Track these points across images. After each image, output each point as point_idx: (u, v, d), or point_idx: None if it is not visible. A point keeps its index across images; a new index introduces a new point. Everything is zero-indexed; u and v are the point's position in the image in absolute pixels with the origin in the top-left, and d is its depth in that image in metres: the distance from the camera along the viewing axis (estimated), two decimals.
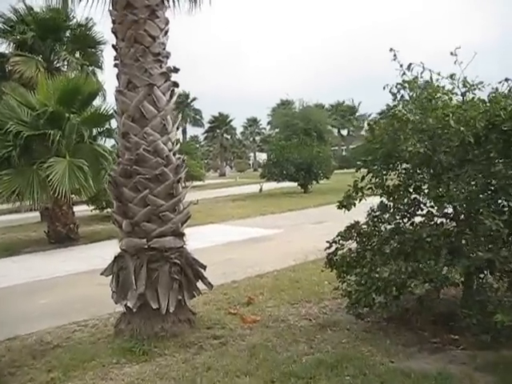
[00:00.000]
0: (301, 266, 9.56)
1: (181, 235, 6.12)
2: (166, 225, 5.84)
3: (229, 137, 79.46)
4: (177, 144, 6.10)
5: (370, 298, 5.22)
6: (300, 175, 26.03)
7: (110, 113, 13.69)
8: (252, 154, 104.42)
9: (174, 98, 5.98)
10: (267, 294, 7.67)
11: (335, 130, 66.68)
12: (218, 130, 75.84)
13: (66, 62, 20.97)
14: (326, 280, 8.15)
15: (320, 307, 6.86)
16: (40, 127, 13.17)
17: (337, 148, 70.92)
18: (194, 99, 70.85)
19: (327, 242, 6.32)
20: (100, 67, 22.56)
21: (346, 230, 6.35)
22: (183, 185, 6.29)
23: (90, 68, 21.70)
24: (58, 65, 20.99)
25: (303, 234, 13.73)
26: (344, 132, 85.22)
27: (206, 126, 75.62)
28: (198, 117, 71.37)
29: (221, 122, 75.41)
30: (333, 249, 6.34)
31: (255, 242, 13.08)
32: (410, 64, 5.55)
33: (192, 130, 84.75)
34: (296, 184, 27.34)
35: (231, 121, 77.20)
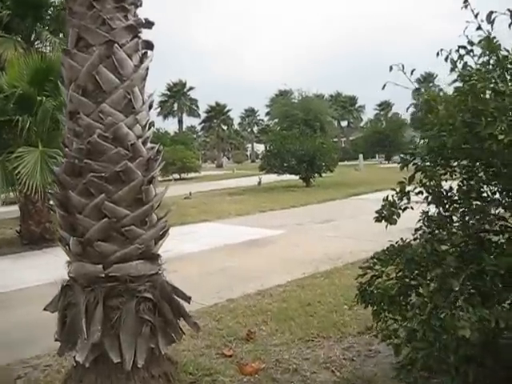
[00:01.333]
0: (311, 281, 7.86)
1: (154, 258, 4.32)
2: (131, 244, 4.00)
3: (226, 127, 77.69)
4: (149, 128, 4.33)
5: (433, 360, 3.45)
6: (302, 168, 24.30)
7: None
8: (250, 145, 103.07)
9: (146, 63, 4.16)
10: (272, 324, 5.96)
11: (335, 122, 64.85)
12: (214, 121, 74.25)
13: (48, 43, 19.18)
14: (346, 303, 6.50)
15: (343, 349, 5.15)
16: (8, 112, 11.49)
17: (336, 139, 69.19)
18: (191, 88, 69.35)
19: (360, 267, 4.49)
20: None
21: (387, 251, 4.51)
22: (156, 188, 4.53)
23: None
24: (39, 46, 19.16)
25: (310, 236, 12.06)
26: (343, 123, 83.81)
27: (203, 116, 73.80)
28: (194, 107, 69.46)
29: (218, 112, 73.78)
30: (367, 277, 4.40)
31: (256, 245, 11.38)
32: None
33: (188, 121, 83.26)
34: (297, 177, 25.65)
35: (229, 111, 75.62)
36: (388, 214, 4.37)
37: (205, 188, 28.26)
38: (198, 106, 70.30)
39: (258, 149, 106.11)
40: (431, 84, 78.44)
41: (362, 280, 4.42)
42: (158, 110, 68.38)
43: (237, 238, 12.27)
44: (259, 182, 27.21)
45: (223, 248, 11.19)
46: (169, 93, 68.85)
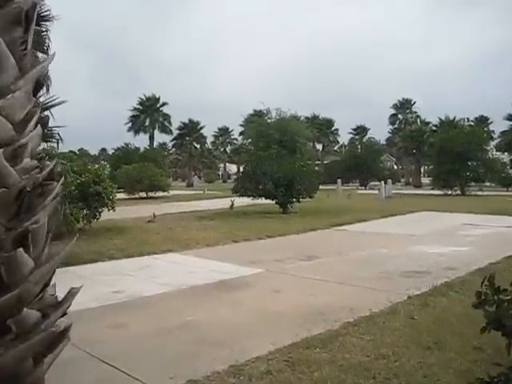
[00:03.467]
0: (304, 355, 5.73)
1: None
2: None
3: (198, 145, 75.58)
4: (35, 127, 2.26)
5: None
6: (279, 192, 22.24)
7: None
8: (222, 165, 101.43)
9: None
10: None
11: (310, 144, 63.32)
12: (187, 138, 72.03)
13: None
14: None
15: None
16: None
17: (310, 162, 67.68)
18: (165, 104, 67.10)
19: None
20: (44, 51, 18.59)
21: None
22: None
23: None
24: None
25: (292, 279, 10.00)
26: (318, 146, 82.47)
27: (175, 133, 71.59)
28: (166, 123, 67.21)
29: (191, 130, 71.77)
30: None
31: (228, 288, 9.25)
32: None
33: (160, 137, 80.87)
34: (273, 202, 23.59)
35: (201, 128, 73.63)
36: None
37: (172, 209, 26.07)
38: (170, 123, 68.09)
39: (230, 169, 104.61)
40: (408, 110, 77.92)
41: None
42: (129, 125, 66.09)
43: (205, 276, 10.17)
44: (232, 206, 25.11)
45: (188, 291, 9.05)
46: (141, 107, 66.56)
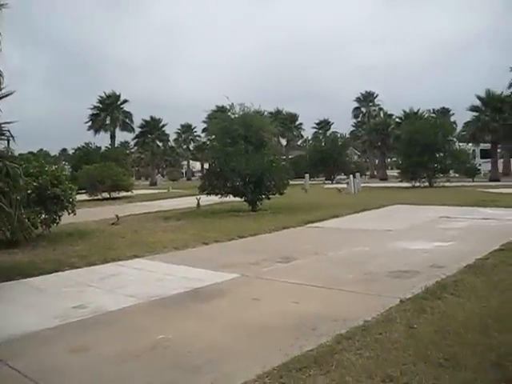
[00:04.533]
0: (299, 380, 4.98)
1: None
2: None
3: (161, 143, 74.20)
4: None
5: None
6: (248, 189, 21.38)
7: None
8: (185, 162, 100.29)
9: None
10: None
11: (275, 139, 62.54)
12: (149, 136, 70.55)
13: None
14: None
15: None
16: None
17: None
18: (125, 101, 65.54)
19: None
20: None
21: None
22: None
23: None
24: None
25: (271, 284, 9.19)
26: (283, 141, 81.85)
27: (137, 131, 70.08)
28: (128, 121, 65.66)
29: (152, 127, 70.35)
30: None
31: (201, 298, 8.39)
32: None
33: (121, 136, 79.33)
34: (240, 199, 22.73)
35: (164, 126, 72.26)
36: None
37: (136, 210, 25.00)
38: (132, 120, 66.52)
39: (193, 166, 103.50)
40: (371, 103, 77.89)
41: None
42: (89, 123, 64.40)
43: (175, 284, 9.30)
44: (198, 204, 24.20)
45: (157, 303, 8.17)
46: (101, 105, 64.89)
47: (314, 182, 50.19)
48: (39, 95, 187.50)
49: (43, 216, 15.21)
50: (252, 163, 21.19)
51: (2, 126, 10.63)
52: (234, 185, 21.70)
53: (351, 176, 35.40)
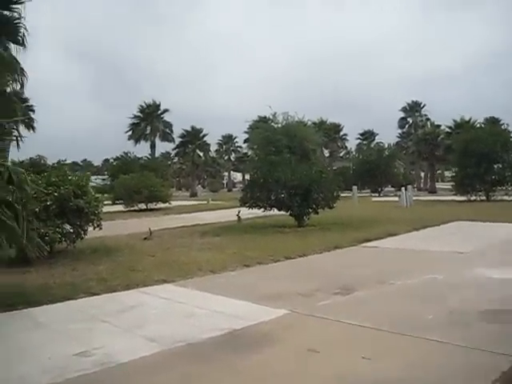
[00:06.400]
0: None
1: None
2: None
3: (202, 154, 72.83)
4: None
5: None
6: (294, 202, 19.31)
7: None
8: (226, 173, 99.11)
9: None
10: None
11: (319, 150, 60.57)
12: (189, 146, 69.21)
13: None
14: None
15: None
16: None
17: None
18: (166, 111, 64.29)
19: None
20: (21, 43, 15.86)
21: None
22: None
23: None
24: None
25: (331, 326, 7.16)
26: (326, 152, 79.68)
27: (177, 141, 68.85)
28: (168, 131, 64.46)
29: (193, 137, 69.03)
30: None
31: (239, 347, 6.36)
32: None
33: (161, 146, 78.32)
34: (285, 213, 20.67)
35: (204, 135, 70.79)
36: None
37: (172, 223, 23.24)
38: (172, 130, 65.26)
39: (234, 177, 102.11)
40: (417, 113, 75.08)
41: None
42: (130, 133, 63.34)
43: (208, 323, 7.36)
44: (239, 219, 22.27)
45: (182, 353, 6.22)
46: (141, 115, 63.83)
47: (360, 195, 47.91)
48: (84, 107, 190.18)
49: (66, 230, 13.48)
50: (299, 174, 19.15)
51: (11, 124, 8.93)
52: (279, 197, 19.64)
53: (403, 188, 32.97)
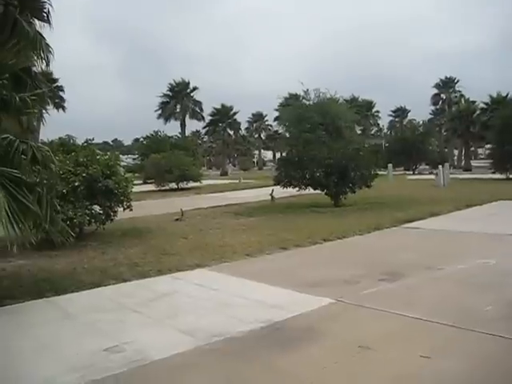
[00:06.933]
0: None
1: None
2: None
3: (232, 132, 72.14)
4: None
5: None
6: (331, 181, 18.56)
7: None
8: (257, 152, 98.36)
9: None
10: None
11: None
12: (220, 124, 68.59)
13: None
14: None
15: None
16: None
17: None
18: (195, 89, 63.70)
19: None
20: (46, 20, 15.38)
21: None
22: None
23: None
24: None
25: (380, 317, 6.52)
26: (357, 130, 78.36)
27: (207, 119, 68.21)
28: (197, 109, 63.85)
29: (223, 115, 68.31)
30: None
31: (282, 342, 5.74)
32: None
33: (191, 125, 77.61)
34: (320, 191, 19.95)
35: (235, 113, 69.95)
36: None
37: (204, 203, 22.71)
38: (202, 109, 64.61)
39: (265, 156, 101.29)
40: (451, 89, 73.16)
41: None
42: (159, 112, 62.93)
43: (247, 313, 6.78)
44: (272, 198, 21.63)
45: (220, 349, 5.65)
46: (170, 93, 63.33)
47: (394, 173, 46.84)
48: (114, 87, 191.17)
49: (95, 212, 13.01)
50: (335, 152, 18.39)
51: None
52: (315, 176, 18.92)
53: (440, 166, 31.82)
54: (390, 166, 39.22)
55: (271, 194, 21.67)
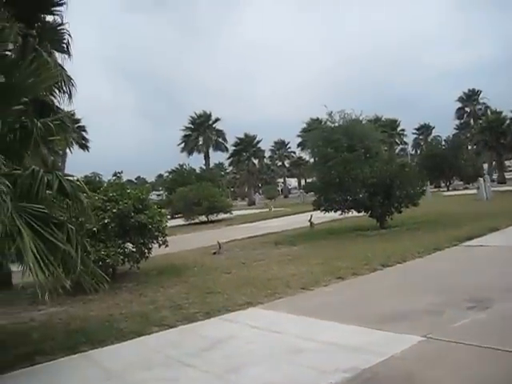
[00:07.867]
0: None
1: None
2: None
3: (256, 161, 71.30)
4: None
5: None
6: (376, 202, 17.31)
7: None
8: (281, 180, 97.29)
9: None
10: None
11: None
12: (244, 154, 67.81)
13: None
14: None
15: None
16: None
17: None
18: (217, 120, 62.96)
19: None
20: (66, 51, 14.54)
21: None
22: None
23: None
24: None
25: (492, 357, 5.29)
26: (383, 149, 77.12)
27: (231, 150, 67.47)
28: (221, 140, 63.15)
29: (247, 145, 67.54)
30: None
31: None
32: None
33: (214, 157, 76.83)
34: (364, 214, 18.69)
35: (258, 142, 69.13)
36: None
37: (239, 234, 21.58)
38: (225, 139, 63.91)
39: (289, 183, 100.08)
40: (475, 102, 71.77)
41: None
42: (182, 145, 62.30)
43: (324, 361, 5.61)
44: (311, 224, 20.43)
45: None
46: (192, 126, 62.75)
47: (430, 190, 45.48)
48: (133, 126, 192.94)
49: (128, 250, 11.99)
50: (378, 169, 17.17)
51: None
52: (357, 197, 17.70)
53: (481, 180, 30.41)
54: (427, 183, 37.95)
55: (310, 220, 20.48)
